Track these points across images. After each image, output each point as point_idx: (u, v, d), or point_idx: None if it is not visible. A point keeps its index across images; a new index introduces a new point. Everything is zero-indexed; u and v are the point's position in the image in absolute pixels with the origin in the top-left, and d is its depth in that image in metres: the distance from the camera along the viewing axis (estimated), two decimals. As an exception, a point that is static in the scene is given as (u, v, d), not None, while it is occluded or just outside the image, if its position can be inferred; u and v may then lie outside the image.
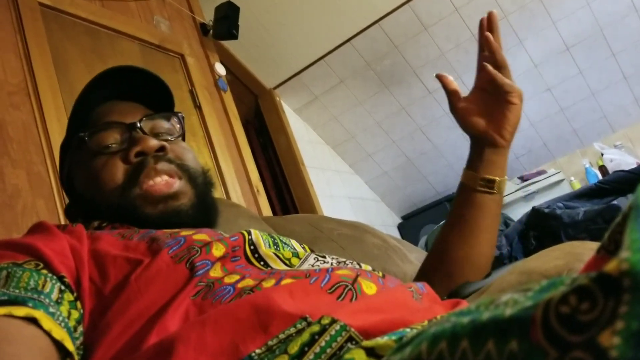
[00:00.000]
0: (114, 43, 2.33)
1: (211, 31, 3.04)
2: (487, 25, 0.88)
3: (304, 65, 3.83)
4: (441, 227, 0.95)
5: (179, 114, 0.87)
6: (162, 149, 0.78)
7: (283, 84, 3.94)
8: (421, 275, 0.96)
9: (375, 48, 3.74)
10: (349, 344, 0.43)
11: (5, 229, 1.52)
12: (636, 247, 0.20)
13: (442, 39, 3.69)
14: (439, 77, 0.91)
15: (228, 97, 2.96)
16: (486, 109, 0.88)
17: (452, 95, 0.90)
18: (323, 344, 0.43)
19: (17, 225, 1.55)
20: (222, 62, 3.07)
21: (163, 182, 0.76)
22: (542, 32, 3.65)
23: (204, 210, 0.79)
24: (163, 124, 0.84)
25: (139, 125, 0.79)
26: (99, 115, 0.82)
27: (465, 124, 0.91)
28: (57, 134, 1.80)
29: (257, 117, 4.07)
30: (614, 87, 3.88)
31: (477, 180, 0.89)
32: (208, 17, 3.08)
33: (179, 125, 0.86)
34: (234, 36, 3.02)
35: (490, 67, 0.84)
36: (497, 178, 0.89)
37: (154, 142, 0.78)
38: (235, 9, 3.03)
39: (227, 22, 2.97)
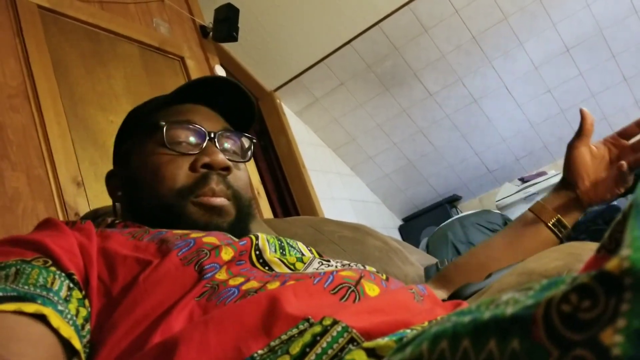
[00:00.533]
0: (113, 46, 2.33)
1: (211, 33, 3.04)
2: None
3: (304, 67, 3.83)
4: (492, 237, 0.97)
5: (253, 139, 0.89)
6: (227, 168, 0.80)
7: (283, 86, 3.94)
8: (448, 272, 0.97)
9: (375, 50, 3.74)
10: (350, 345, 0.43)
11: (6, 232, 1.52)
12: (637, 245, 0.20)
13: (443, 40, 3.69)
14: (582, 112, 0.92)
15: (228, 100, 2.96)
16: (598, 173, 0.90)
17: (584, 131, 0.91)
18: (325, 344, 0.43)
19: (17, 229, 1.55)
20: (222, 65, 3.07)
21: (214, 199, 0.77)
22: (543, 34, 3.65)
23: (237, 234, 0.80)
24: (236, 143, 0.86)
25: (215, 136, 0.81)
26: (182, 111, 0.83)
27: (572, 168, 0.91)
28: (57, 137, 1.80)
29: (257, 120, 4.06)
30: (614, 89, 3.87)
31: (554, 218, 0.91)
32: (208, 19, 3.08)
33: (249, 151, 0.89)
34: (233, 38, 3.02)
35: (627, 172, 0.85)
36: (569, 227, 0.91)
37: (222, 160, 0.79)
38: (235, 11, 3.03)
39: (227, 24, 2.97)
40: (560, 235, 0.90)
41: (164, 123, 0.79)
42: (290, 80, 3.91)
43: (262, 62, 3.78)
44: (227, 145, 0.85)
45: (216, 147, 0.80)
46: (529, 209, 0.94)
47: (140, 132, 0.83)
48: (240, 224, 0.81)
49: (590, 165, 0.90)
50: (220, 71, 2.98)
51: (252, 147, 0.90)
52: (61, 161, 1.77)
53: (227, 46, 3.45)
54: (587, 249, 0.75)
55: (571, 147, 0.92)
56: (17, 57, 1.85)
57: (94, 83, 2.12)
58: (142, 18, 2.63)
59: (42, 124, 1.79)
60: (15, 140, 1.70)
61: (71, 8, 2.17)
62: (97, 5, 2.36)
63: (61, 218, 1.66)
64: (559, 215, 0.90)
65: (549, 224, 0.90)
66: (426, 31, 3.64)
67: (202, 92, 0.86)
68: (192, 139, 0.80)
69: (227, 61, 3.46)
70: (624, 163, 0.85)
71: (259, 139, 3.99)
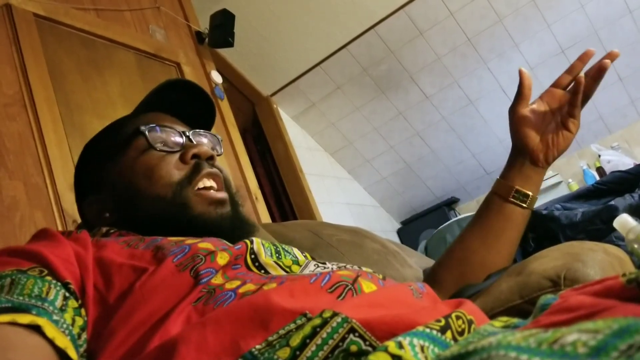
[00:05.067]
0: (109, 53, 2.33)
1: (207, 39, 3.04)
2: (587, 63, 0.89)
3: (300, 72, 3.84)
4: (464, 229, 0.96)
5: (219, 137, 0.93)
6: (212, 158, 0.84)
7: (280, 91, 3.95)
8: (434, 272, 0.98)
9: (371, 54, 3.75)
10: (351, 335, 0.43)
11: (3, 241, 1.51)
12: None
13: (438, 43, 3.70)
14: (521, 71, 0.92)
15: (225, 105, 2.96)
16: (544, 126, 0.89)
17: (522, 94, 0.91)
18: (325, 335, 0.43)
19: (14, 237, 1.54)
20: (218, 70, 3.07)
21: (215, 187, 0.82)
22: (537, 35, 3.66)
23: (239, 222, 0.82)
24: (209, 140, 0.90)
25: (189, 134, 0.85)
26: (150, 119, 0.85)
27: (517, 132, 0.91)
28: (54, 145, 1.80)
29: (254, 125, 4.07)
30: (610, 89, 3.88)
31: (511, 190, 0.90)
32: (204, 25, 3.08)
33: (218, 146, 0.92)
34: (229, 44, 3.02)
35: (582, 80, 0.86)
36: (531, 193, 0.90)
37: (208, 149, 0.84)
38: (231, 17, 3.03)
39: (222, 30, 2.98)
40: (524, 205, 0.90)
41: (144, 127, 0.82)
42: (287, 85, 3.91)
43: (258, 67, 3.78)
44: (203, 140, 0.89)
45: (194, 142, 0.85)
46: (490, 191, 0.94)
47: (113, 151, 0.84)
48: (237, 211, 0.83)
49: (535, 123, 0.90)
50: (216, 77, 2.98)
51: (221, 144, 0.93)
52: (58, 169, 1.76)
53: (223, 52, 3.45)
54: (586, 249, 0.75)
55: (512, 112, 0.91)
56: (14, 66, 1.85)
57: (90, 90, 2.12)
58: (138, 25, 2.63)
59: (39, 132, 1.79)
60: (12, 149, 1.69)
61: (67, 16, 2.17)
62: (93, 13, 2.36)
63: (59, 226, 1.66)
64: (516, 187, 0.90)
65: (510, 199, 0.90)
66: (421, 34, 3.65)
67: (159, 101, 0.90)
68: (172, 139, 0.83)
69: (223, 67, 3.46)
70: (581, 76, 0.86)
71: (256, 144, 3.99)
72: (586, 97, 0.88)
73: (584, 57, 0.90)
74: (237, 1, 3.31)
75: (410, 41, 3.69)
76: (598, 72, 0.87)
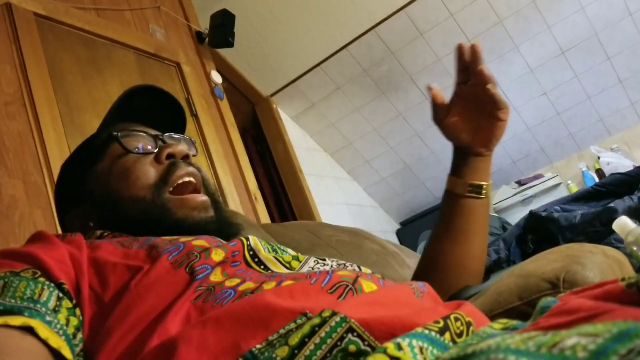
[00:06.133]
0: (109, 52, 2.33)
1: (207, 39, 3.04)
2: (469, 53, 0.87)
3: (300, 72, 3.84)
4: (431, 233, 0.97)
5: (192, 139, 0.93)
6: (187, 156, 0.84)
7: (280, 91, 3.95)
8: (416, 279, 0.97)
9: (371, 54, 3.75)
10: (349, 335, 0.43)
11: (2, 239, 1.51)
12: None
13: (438, 44, 3.70)
14: (429, 89, 0.93)
15: (225, 105, 2.96)
16: (472, 122, 0.89)
17: (438, 106, 0.92)
18: (323, 334, 0.44)
19: (14, 236, 1.54)
20: (218, 70, 3.07)
21: (193, 181, 0.81)
22: (538, 37, 3.66)
23: (225, 226, 0.82)
24: (183, 142, 0.90)
25: (162, 136, 0.86)
26: (121, 127, 0.85)
27: (451, 137, 0.92)
28: (54, 144, 1.80)
29: (254, 125, 4.07)
30: (609, 91, 3.89)
31: (465, 186, 0.91)
32: (204, 25, 3.09)
33: (192, 147, 0.92)
34: (229, 44, 3.02)
35: (493, 87, 0.84)
36: (484, 183, 0.91)
37: (182, 148, 0.84)
38: (231, 17, 3.04)
39: (222, 30, 2.98)
40: (482, 196, 0.90)
41: (116, 133, 0.82)
42: (287, 86, 3.91)
43: (258, 67, 3.78)
44: (177, 142, 0.88)
45: (168, 143, 0.85)
46: (445, 189, 0.94)
47: (89, 162, 0.84)
48: (220, 212, 0.83)
49: (461, 121, 0.90)
50: (216, 77, 2.98)
51: (195, 146, 0.93)
52: (58, 168, 1.74)
53: (223, 52, 3.45)
54: (585, 251, 0.75)
55: (437, 122, 0.92)
56: (14, 64, 1.85)
57: (90, 89, 2.12)
58: (138, 24, 2.63)
59: (39, 131, 1.79)
60: (11, 147, 1.69)
61: (67, 15, 2.17)
62: (93, 13, 2.36)
63: (58, 225, 1.66)
64: (469, 181, 0.90)
65: (466, 194, 0.90)
66: (422, 35, 3.66)
67: (128, 110, 0.89)
68: (145, 141, 0.84)
69: (223, 67, 3.46)
70: (490, 85, 0.84)
71: (256, 144, 3.99)
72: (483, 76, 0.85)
73: (461, 53, 0.88)
74: (238, 1, 3.31)
75: (410, 42, 3.69)
76: (474, 54, 0.85)
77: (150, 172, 0.79)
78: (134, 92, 0.89)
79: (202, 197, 0.81)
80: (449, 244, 0.91)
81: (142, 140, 0.83)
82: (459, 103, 0.90)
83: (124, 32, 2.46)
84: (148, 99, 0.91)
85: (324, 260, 0.70)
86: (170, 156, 0.82)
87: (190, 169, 0.82)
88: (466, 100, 0.89)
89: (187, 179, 0.80)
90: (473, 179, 0.91)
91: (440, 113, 0.92)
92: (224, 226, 0.81)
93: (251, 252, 0.68)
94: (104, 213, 0.81)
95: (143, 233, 0.74)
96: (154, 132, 0.86)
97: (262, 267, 0.66)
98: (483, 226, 0.92)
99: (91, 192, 0.83)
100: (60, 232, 0.85)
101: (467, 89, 0.88)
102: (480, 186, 0.90)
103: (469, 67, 0.86)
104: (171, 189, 0.79)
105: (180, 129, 0.94)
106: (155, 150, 0.83)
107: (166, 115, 0.92)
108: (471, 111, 0.89)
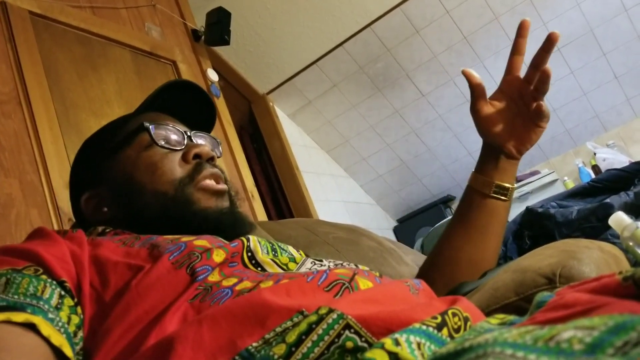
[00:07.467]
0: (105, 51, 2.32)
1: (203, 37, 3.03)
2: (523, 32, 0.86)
3: (296, 70, 3.83)
4: (447, 227, 0.96)
5: (218, 140, 0.95)
6: (212, 158, 0.86)
7: (276, 89, 3.94)
8: (423, 272, 0.97)
9: (367, 52, 3.74)
10: (346, 332, 0.43)
11: (-1, 238, 1.51)
12: None
13: (434, 41, 3.70)
14: (464, 73, 0.90)
15: (221, 103, 2.96)
16: (511, 122, 0.88)
17: (476, 92, 0.89)
18: (320, 332, 0.44)
19: (10, 235, 1.54)
20: (214, 68, 3.06)
21: (216, 185, 0.83)
22: (533, 33, 3.63)
23: (239, 219, 0.84)
24: (209, 142, 0.92)
25: (191, 134, 0.87)
26: (153, 117, 0.87)
27: (486, 132, 0.90)
28: (50, 142, 1.79)
29: (250, 123, 4.07)
30: (605, 87, 3.90)
31: (491, 186, 0.90)
32: (200, 23, 3.08)
33: (217, 149, 0.94)
34: (225, 42, 3.02)
35: (543, 104, 0.84)
36: (511, 186, 0.90)
37: (209, 150, 0.85)
38: (227, 15, 3.03)
39: (218, 28, 2.97)
40: (505, 198, 0.90)
41: (148, 124, 0.83)
42: (283, 83, 3.91)
43: (255, 65, 3.78)
44: (202, 142, 0.90)
45: (195, 142, 0.87)
46: (468, 185, 0.93)
47: (115, 146, 0.84)
48: (235, 209, 0.85)
49: (501, 120, 0.88)
50: (212, 75, 2.98)
51: (220, 147, 0.95)
52: (54, 166, 1.76)
53: (219, 50, 3.45)
54: (581, 246, 0.75)
55: (474, 112, 0.90)
56: (9, 63, 1.85)
57: (85, 88, 2.12)
58: (134, 22, 2.63)
59: (35, 130, 1.78)
60: (7, 146, 1.69)
61: (62, 13, 2.16)
62: (89, 11, 2.36)
63: (55, 224, 1.65)
64: (496, 181, 0.89)
65: (491, 194, 0.89)
66: (417, 32, 3.66)
67: (161, 102, 0.91)
68: (174, 137, 0.84)
69: (219, 65, 3.45)
70: (541, 103, 0.84)
71: (253, 142, 3.99)
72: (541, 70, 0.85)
73: (522, 32, 0.88)
74: (233, -1, 3.30)
75: (406, 39, 3.69)
76: (549, 44, 0.84)
77: (176, 169, 0.81)
78: (171, 86, 0.92)
79: (222, 185, 0.83)
80: (464, 241, 0.91)
81: (171, 135, 0.85)
82: (500, 98, 0.89)
83: (119, 30, 2.46)
84: (182, 93, 0.93)
85: (321, 261, 0.71)
86: (196, 156, 0.83)
87: (215, 170, 0.84)
88: (509, 98, 0.88)
89: (210, 182, 0.82)
90: (500, 179, 0.90)
91: (478, 103, 0.89)
92: (238, 222, 0.83)
93: (249, 254, 0.68)
94: (122, 200, 0.81)
95: (151, 227, 0.74)
96: (182, 128, 0.87)
97: (259, 268, 0.66)
98: (501, 229, 0.92)
99: (113, 178, 0.83)
100: (66, 212, 0.86)
101: (513, 81, 0.87)
102: (507, 188, 0.90)
103: (539, 64, 0.85)
104: (195, 187, 0.80)
105: (208, 128, 0.96)
106: (183, 147, 0.84)
107: (196, 112, 0.94)
108: (511, 109, 0.88)
